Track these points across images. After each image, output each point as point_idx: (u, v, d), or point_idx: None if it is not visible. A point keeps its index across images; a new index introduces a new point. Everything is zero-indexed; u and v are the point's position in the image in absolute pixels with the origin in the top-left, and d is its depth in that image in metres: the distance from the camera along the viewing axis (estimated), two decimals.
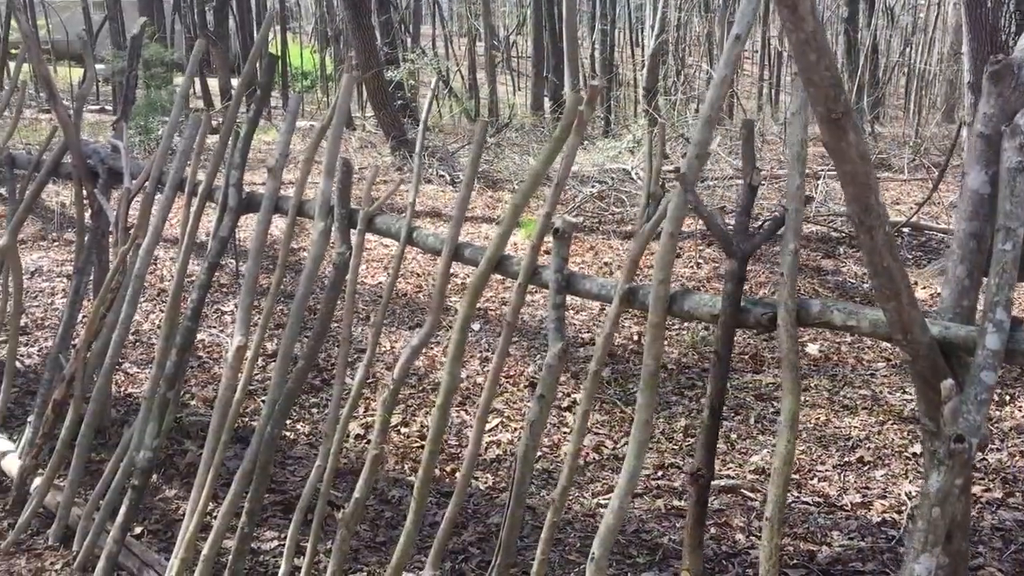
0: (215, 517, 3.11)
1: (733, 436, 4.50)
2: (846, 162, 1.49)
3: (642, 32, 29.95)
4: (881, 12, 24.98)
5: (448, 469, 4.18)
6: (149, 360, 5.28)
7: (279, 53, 22.33)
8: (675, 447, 4.38)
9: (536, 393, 2.24)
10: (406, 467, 4.20)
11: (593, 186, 9.79)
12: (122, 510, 3.15)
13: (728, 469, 4.16)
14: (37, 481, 3.58)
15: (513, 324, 2.35)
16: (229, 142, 3.32)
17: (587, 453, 4.32)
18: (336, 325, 4.42)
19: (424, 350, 5.66)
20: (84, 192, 3.93)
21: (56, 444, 3.54)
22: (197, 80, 21.80)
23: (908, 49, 28.96)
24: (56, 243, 7.90)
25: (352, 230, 2.83)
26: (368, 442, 4.55)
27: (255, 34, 21.81)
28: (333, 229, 2.89)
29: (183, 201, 3.42)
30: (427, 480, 2.46)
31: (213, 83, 21.21)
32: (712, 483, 4.03)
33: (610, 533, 2.03)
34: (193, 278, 3.45)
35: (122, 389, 4.91)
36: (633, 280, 2.09)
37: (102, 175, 3.86)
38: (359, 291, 6.59)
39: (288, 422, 4.59)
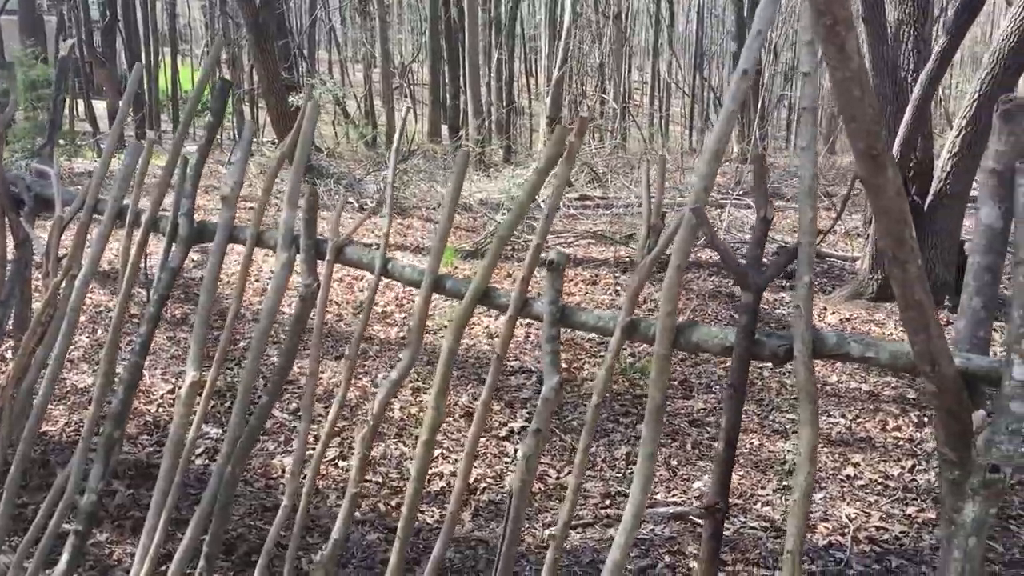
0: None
1: (673, 463, 4.55)
2: (883, 198, 1.52)
3: (537, 62, 30.40)
4: (765, 48, 25.99)
5: (392, 504, 4.08)
6: (62, 396, 5.01)
7: (170, 77, 21.76)
8: (618, 475, 4.39)
9: (532, 427, 2.20)
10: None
11: (504, 213, 9.81)
12: (64, 557, 2.96)
13: (673, 496, 4.19)
14: None
15: (503, 357, 2.31)
16: (176, 169, 3.19)
17: (532, 483, 4.28)
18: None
19: (353, 380, 5.56)
20: (7, 220, 3.71)
21: None
22: (81, 103, 21.05)
23: (789, 85, 30.23)
24: None
25: (319, 261, 2.75)
26: (305, 477, 4.41)
27: (143, 56, 21.16)
28: (298, 260, 2.79)
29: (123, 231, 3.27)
30: (411, 518, 2.39)
31: (100, 105, 20.49)
32: (661, 510, 4.07)
33: (616, 569, 2.01)
34: (102, 308, 3.30)
35: None
36: (634, 312, 2.09)
37: (28, 202, 3.66)
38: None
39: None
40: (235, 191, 3.03)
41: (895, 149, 7.18)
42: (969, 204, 7.65)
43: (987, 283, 1.69)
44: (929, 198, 7.41)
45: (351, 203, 11.33)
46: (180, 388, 5.06)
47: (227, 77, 21.86)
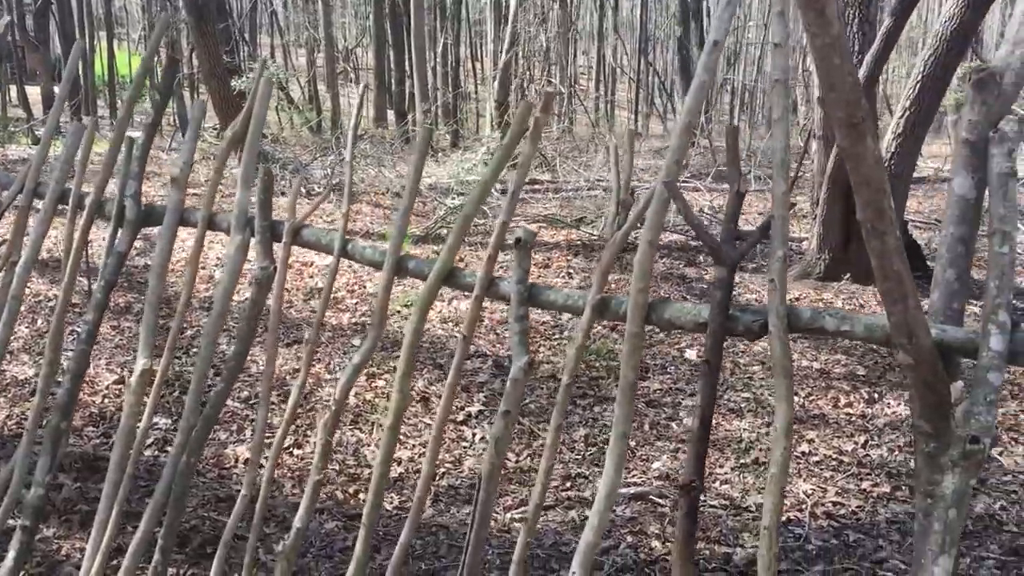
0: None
1: (632, 443, 4.54)
2: (863, 166, 1.50)
3: (482, 47, 30.24)
4: (706, 32, 26.12)
5: (351, 491, 4.01)
6: (2, 388, 4.85)
7: (106, 61, 21.22)
8: (578, 457, 4.37)
9: (501, 409, 2.16)
10: (305, 491, 4.00)
11: (454, 198, 9.74)
12: (11, 554, 2.85)
13: (633, 476, 4.19)
14: None
15: (469, 338, 2.26)
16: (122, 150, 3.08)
17: None
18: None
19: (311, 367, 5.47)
20: None
21: None
22: (14, 88, 20.44)
23: (732, 69, 30.48)
24: None
25: (276, 243, 2.67)
26: (260, 467, 4.32)
27: (77, 39, 20.57)
28: (253, 242, 2.71)
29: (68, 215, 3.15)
30: (376, 506, 2.33)
31: (33, 90, 19.92)
32: (622, 491, 4.06)
33: (589, 550, 1.98)
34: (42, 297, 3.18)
35: None
36: (604, 290, 2.05)
37: None
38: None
39: (170, 449, 4.30)
40: (185, 171, 2.93)
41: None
42: (912, 184, 7.77)
43: (960, 255, 1.69)
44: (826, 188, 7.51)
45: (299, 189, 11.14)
46: (129, 377, 4.96)
47: (159, 60, 21.38)
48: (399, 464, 4.28)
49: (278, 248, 2.69)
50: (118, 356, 5.41)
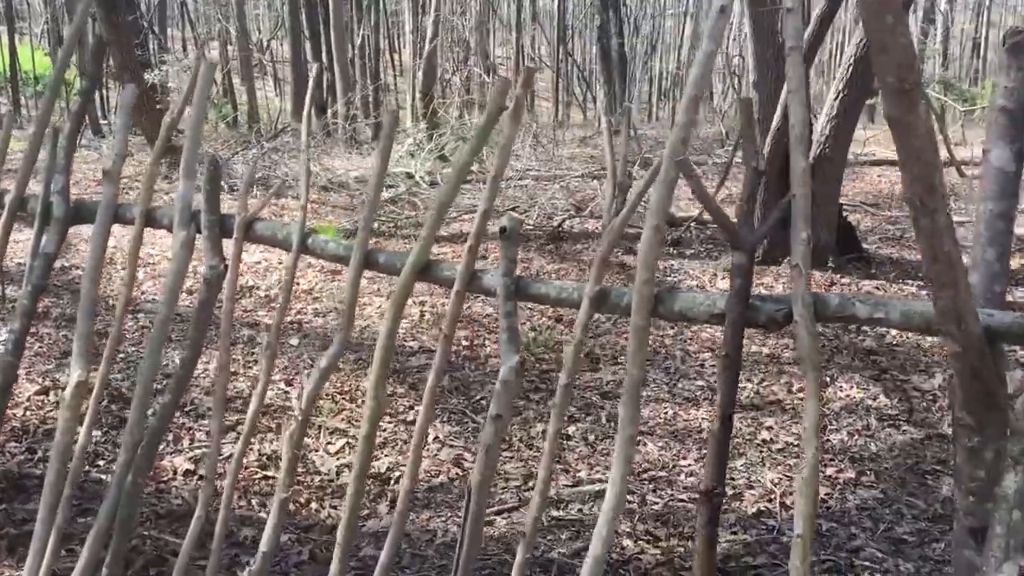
0: None
1: (591, 437, 4.41)
2: (913, 138, 1.36)
3: (400, 38, 29.83)
4: (626, 21, 26.24)
5: (302, 500, 3.79)
6: None
7: (7, 56, 20.28)
8: (538, 455, 4.21)
9: (490, 413, 1.98)
10: (253, 502, 3.77)
11: (385, 190, 9.47)
12: None
13: (596, 473, 4.05)
14: None
15: (451, 337, 2.08)
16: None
17: (448, 468, 4.07)
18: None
19: (244, 372, 5.19)
20: None
21: None
22: None
23: (649, 56, 30.70)
24: None
25: (226, 239, 2.44)
26: (200, 479, 4.07)
27: None
28: (200, 238, 2.48)
29: None
30: (352, 521, 2.13)
31: None
32: (587, 488, 3.91)
33: (597, 565, 1.82)
34: None
35: None
36: (602, 281, 1.89)
37: None
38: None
39: (102, 463, 4.02)
40: (118, 164, 2.68)
41: (777, 113, 7.23)
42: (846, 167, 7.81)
43: (1001, 232, 1.57)
44: (809, 161, 7.49)
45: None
46: (57, 389, 4.64)
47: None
48: (350, 469, 4.05)
49: (228, 245, 2.47)
50: (39, 365, 5.06)
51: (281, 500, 2.21)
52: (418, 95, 15.20)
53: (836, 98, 7.23)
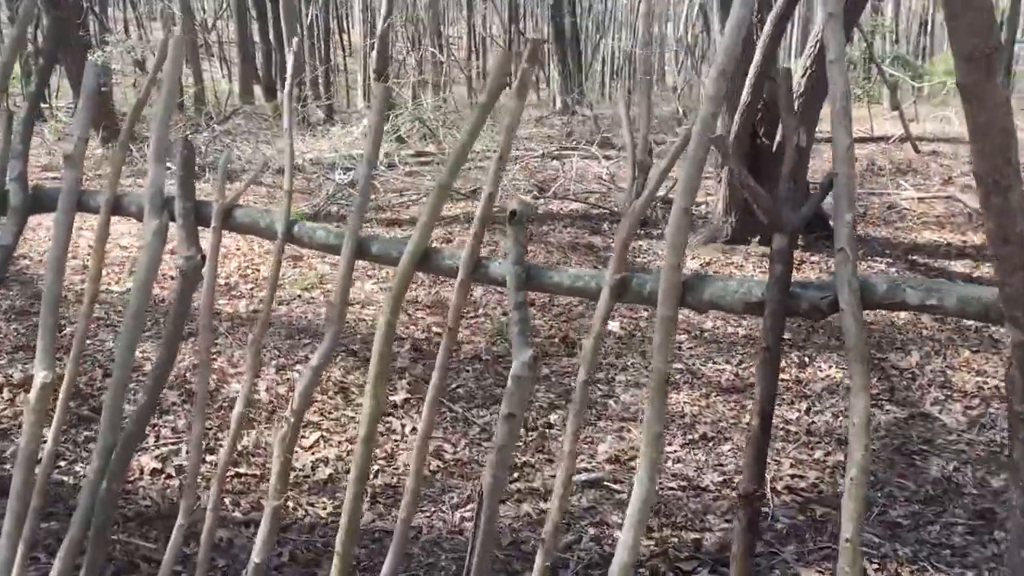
0: None
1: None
2: (987, 109, 1.25)
3: (350, 19, 29.38)
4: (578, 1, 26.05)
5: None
6: None
7: None
8: (519, 444, 4.09)
9: (502, 412, 1.84)
10: (226, 500, 3.59)
11: (345, 172, 9.25)
12: None
13: (581, 462, 3.93)
14: None
15: (455, 329, 1.94)
16: None
17: (428, 461, 3.92)
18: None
19: (211, 361, 4.99)
20: None
21: None
22: None
23: (601, 36, 30.56)
24: None
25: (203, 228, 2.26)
26: (169, 478, 3.88)
27: None
28: (174, 227, 2.30)
29: None
30: (354, 524, 1.99)
31: None
32: (574, 478, 3.80)
33: (624, 572, 1.69)
34: None
35: None
36: (624, 269, 1.76)
37: None
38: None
39: (63, 463, 3.82)
40: (80, 148, 2.48)
41: (745, 92, 7.15)
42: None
43: None
44: (777, 140, 7.43)
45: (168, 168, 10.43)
46: (12, 387, 4.40)
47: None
48: (327, 464, 3.90)
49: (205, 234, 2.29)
50: None
51: (273, 508, 2.06)
52: (371, 75, 14.90)
53: (803, 75, 7.17)
